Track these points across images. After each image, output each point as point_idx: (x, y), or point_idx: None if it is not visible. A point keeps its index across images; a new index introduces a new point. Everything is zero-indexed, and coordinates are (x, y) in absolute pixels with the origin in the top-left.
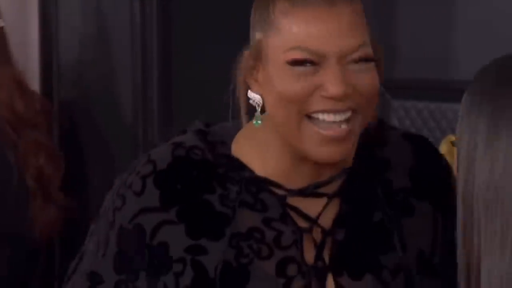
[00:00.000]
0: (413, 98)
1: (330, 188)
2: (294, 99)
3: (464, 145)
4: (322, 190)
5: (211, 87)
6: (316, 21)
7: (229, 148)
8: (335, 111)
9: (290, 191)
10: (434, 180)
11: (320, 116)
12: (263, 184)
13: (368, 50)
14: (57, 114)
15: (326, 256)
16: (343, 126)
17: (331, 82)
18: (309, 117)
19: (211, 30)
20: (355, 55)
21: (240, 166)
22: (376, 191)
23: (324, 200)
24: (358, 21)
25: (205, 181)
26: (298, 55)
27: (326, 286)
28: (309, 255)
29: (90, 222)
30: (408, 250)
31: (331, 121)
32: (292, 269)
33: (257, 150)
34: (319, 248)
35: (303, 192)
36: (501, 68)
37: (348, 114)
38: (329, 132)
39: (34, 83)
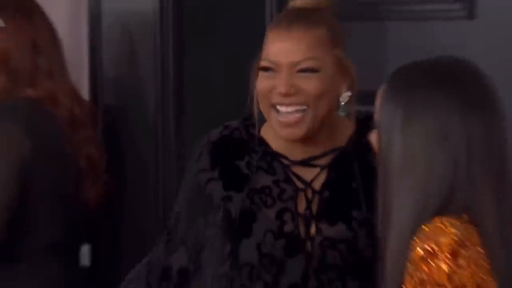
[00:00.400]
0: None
1: (323, 161)
2: (261, 94)
3: (385, 128)
4: (317, 162)
5: (217, 98)
6: (278, 40)
7: (259, 130)
8: (286, 104)
9: (293, 161)
10: None
11: (279, 108)
12: (275, 155)
13: (311, 63)
14: (101, 116)
15: (313, 208)
16: (297, 115)
17: (279, 84)
18: (275, 108)
19: (218, 54)
20: (300, 66)
21: (261, 142)
22: (354, 166)
23: (318, 170)
24: (308, 42)
25: (239, 152)
26: (263, 63)
27: (310, 228)
28: (301, 207)
29: (124, 194)
30: (376, 210)
31: (285, 112)
32: (287, 216)
33: (273, 132)
34: (309, 202)
35: (302, 163)
36: (413, 71)
37: (301, 107)
38: (282, 119)
39: (84, 92)
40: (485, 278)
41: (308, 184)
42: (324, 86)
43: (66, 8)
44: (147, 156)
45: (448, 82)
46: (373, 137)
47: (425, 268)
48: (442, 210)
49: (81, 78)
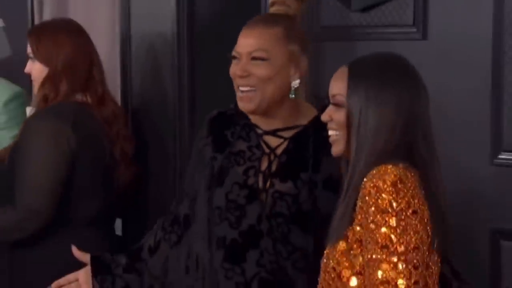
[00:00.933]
0: None
1: (288, 134)
2: (232, 77)
3: (357, 103)
4: (282, 134)
5: (222, 100)
6: (243, 36)
7: None
8: (242, 85)
9: (264, 131)
10: None
11: (239, 87)
12: (252, 126)
13: (261, 53)
14: (130, 117)
15: (272, 168)
16: (249, 94)
17: (236, 68)
18: (238, 88)
19: (222, 65)
20: (252, 55)
21: (245, 117)
22: (310, 140)
23: (282, 140)
24: (263, 38)
25: (228, 124)
26: (233, 53)
27: (266, 183)
28: (263, 166)
29: (149, 178)
30: (320, 173)
31: (242, 90)
32: (251, 172)
33: None
34: (270, 163)
35: (271, 133)
36: (371, 63)
37: (252, 88)
38: (240, 95)
39: (117, 98)
40: (421, 207)
41: (273, 150)
42: (271, 73)
43: (104, 33)
44: (167, 147)
45: (400, 71)
46: (336, 113)
47: (373, 200)
48: (387, 159)
49: (114, 87)
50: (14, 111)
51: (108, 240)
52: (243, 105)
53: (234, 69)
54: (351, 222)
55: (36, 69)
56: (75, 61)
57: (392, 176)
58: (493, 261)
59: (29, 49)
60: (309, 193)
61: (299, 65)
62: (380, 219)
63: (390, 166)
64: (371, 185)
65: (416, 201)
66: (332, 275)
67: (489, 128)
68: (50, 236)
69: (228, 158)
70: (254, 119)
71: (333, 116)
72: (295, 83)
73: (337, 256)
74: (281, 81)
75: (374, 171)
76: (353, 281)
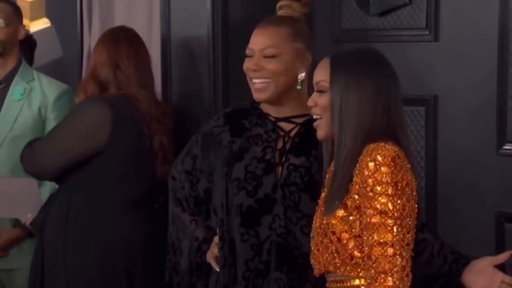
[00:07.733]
0: None
1: (299, 120)
2: (245, 71)
3: (339, 88)
4: (295, 120)
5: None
6: (255, 35)
7: (259, 102)
8: (255, 77)
9: (277, 118)
10: None
11: (253, 80)
12: (267, 115)
13: (271, 51)
14: (172, 114)
15: (287, 147)
16: (263, 85)
17: (250, 63)
18: (251, 81)
19: None
20: (264, 52)
21: (259, 109)
22: None
23: (294, 125)
24: (272, 36)
25: (245, 115)
26: (246, 51)
27: (282, 158)
28: (279, 146)
29: None
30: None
31: (255, 82)
32: (268, 150)
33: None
34: (285, 143)
35: (284, 120)
36: (349, 54)
37: (265, 80)
38: (254, 87)
39: (158, 96)
40: (411, 179)
41: (287, 133)
42: (281, 67)
43: (145, 34)
44: None
45: (376, 61)
46: (320, 98)
47: (371, 172)
48: (377, 138)
49: (156, 84)
50: (63, 107)
51: (149, 222)
52: (258, 95)
53: (248, 64)
54: (347, 192)
55: None
56: (96, 65)
57: (392, 152)
58: (498, 242)
59: None
60: (319, 166)
61: (305, 60)
62: (379, 188)
63: (387, 144)
64: (370, 159)
65: (408, 174)
66: (332, 238)
67: (494, 122)
68: (103, 215)
69: (247, 140)
70: (266, 109)
71: (318, 101)
72: (301, 76)
73: (336, 222)
74: (290, 74)
75: (372, 147)
76: (351, 243)
